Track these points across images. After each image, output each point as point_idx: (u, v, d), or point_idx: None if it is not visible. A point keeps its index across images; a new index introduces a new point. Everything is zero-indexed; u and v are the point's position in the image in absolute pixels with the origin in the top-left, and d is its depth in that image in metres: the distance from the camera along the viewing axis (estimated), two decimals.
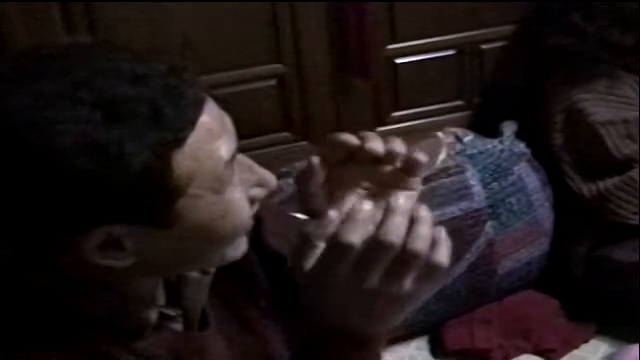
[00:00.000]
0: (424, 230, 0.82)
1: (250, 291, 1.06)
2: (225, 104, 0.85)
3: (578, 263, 2.33)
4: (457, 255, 1.99)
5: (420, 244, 0.82)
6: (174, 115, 0.79)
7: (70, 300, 0.87)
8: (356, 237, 0.80)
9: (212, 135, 0.83)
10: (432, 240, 0.83)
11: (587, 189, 2.27)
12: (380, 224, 0.82)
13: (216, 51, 2.19)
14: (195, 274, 0.96)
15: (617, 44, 2.26)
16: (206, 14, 2.12)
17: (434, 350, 2.27)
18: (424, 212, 0.83)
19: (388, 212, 0.83)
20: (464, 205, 2.16)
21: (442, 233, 0.84)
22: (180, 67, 0.82)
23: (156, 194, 0.81)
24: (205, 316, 0.99)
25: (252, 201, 0.92)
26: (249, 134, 2.11)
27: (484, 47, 2.45)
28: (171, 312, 0.95)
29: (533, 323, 2.24)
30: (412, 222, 0.83)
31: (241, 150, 0.84)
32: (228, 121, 0.87)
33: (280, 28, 2.23)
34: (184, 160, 0.81)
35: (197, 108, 0.81)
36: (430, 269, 0.84)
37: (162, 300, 0.96)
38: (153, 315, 0.91)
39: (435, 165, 2.07)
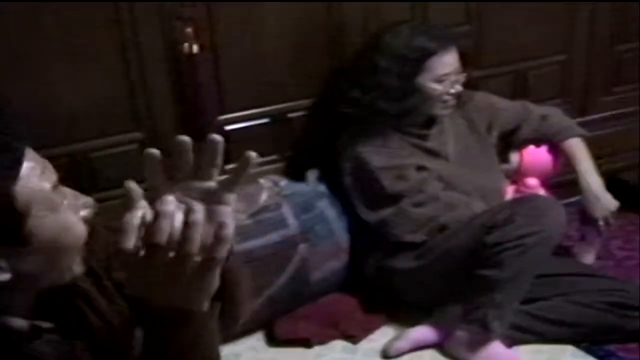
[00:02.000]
0: (192, 234, 0.93)
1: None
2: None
3: (371, 270, 2.78)
4: (279, 269, 2.66)
5: (188, 245, 0.94)
6: (8, 161, 1.02)
7: None
8: (128, 242, 0.92)
9: (36, 172, 1.06)
10: (215, 238, 0.95)
11: (372, 216, 2.74)
12: (150, 226, 0.94)
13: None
14: None
15: (385, 111, 2.71)
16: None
17: (269, 341, 2.69)
18: (195, 216, 0.94)
19: (156, 215, 0.94)
20: (282, 232, 2.65)
21: (225, 233, 0.95)
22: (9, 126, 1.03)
23: (9, 219, 1.03)
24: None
25: (84, 220, 1.12)
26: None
27: (290, 115, 2.91)
28: (43, 325, 1.11)
29: (340, 316, 2.71)
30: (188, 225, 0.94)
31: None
32: (46, 162, 1.09)
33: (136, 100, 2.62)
34: (20, 190, 1.03)
35: (22, 155, 1.04)
36: (207, 261, 0.96)
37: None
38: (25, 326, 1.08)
39: (259, 204, 2.68)
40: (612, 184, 3.44)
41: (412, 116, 2.75)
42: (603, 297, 2.66)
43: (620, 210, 3.04)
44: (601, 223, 2.91)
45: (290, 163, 2.98)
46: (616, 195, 3.21)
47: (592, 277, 2.78)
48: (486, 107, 2.98)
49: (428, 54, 2.70)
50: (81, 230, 1.10)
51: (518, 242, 2.47)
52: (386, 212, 2.73)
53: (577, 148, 2.98)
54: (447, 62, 2.73)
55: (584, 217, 2.95)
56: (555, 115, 3.05)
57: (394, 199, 2.72)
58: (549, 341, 2.64)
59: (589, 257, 2.99)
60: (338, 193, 2.83)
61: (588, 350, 2.61)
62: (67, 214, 1.09)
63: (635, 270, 3.03)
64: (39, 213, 1.04)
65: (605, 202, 2.91)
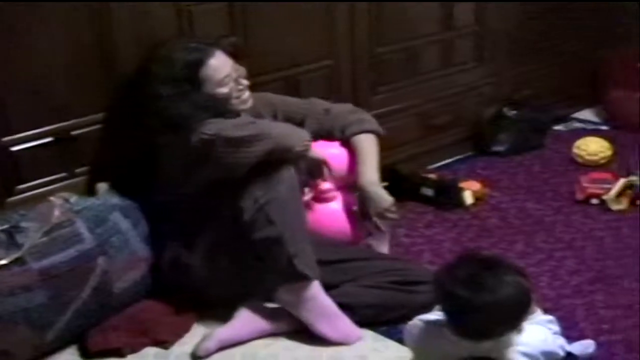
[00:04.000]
0: None
1: None
2: None
3: (169, 274, 2.92)
4: (81, 283, 2.74)
5: None
6: None
7: None
8: None
9: None
10: None
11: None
12: None
13: None
14: None
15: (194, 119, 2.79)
16: None
17: (82, 354, 2.75)
18: None
19: None
20: (78, 247, 2.70)
21: None
22: None
23: None
24: None
25: None
26: None
27: (75, 132, 2.98)
28: None
29: (149, 323, 2.79)
30: None
31: None
32: None
33: None
34: None
35: None
36: None
37: None
38: None
39: (52, 221, 2.77)
40: (392, 176, 3.84)
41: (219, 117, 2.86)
42: (389, 277, 2.91)
43: (400, 200, 3.36)
44: (375, 219, 3.09)
45: (80, 179, 3.08)
46: (394, 187, 3.57)
47: (376, 260, 3.04)
48: (268, 102, 3.17)
49: (195, 66, 2.87)
50: None
51: (267, 195, 2.70)
52: None
53: (364, 144, 3.15)
54: (218, 65, 2.90)
55: (362, 212, 3.15)
56: (344, 109, 3.24)
57: None
58: None
59: (383, 248, 3.21)
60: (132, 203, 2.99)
61: (387, 334, 2.84)
62: None
63: (422, 255, 3.39)
64: None
65: (379, 199, 3.08)
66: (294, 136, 2.84)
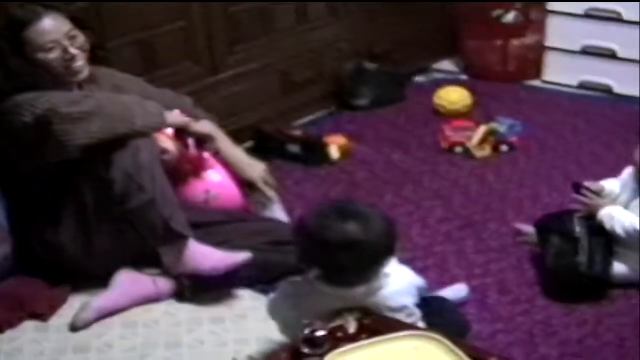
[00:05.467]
0: None
1: None
2: None
3: (39, 249, 2.92)
4: None
5: None
6: None
7: None
8: None
9: None
10: None
11: None
12: None
13: None
14: None
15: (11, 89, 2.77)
16: None
17: None
18: None
19: None
20: None
21: None
22: None
23: None
24: None
25: None
26: None
27: None
28: None
29: (24, 297, 2.82)
30: None
31: None
32: None
33: None
34: None
35: None
36: None
37: None
38: None
39: None
40: (257, 135, 3.91)
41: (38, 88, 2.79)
42: (262, 237, 2.99)
43: (267, 159, 3.45)
44: (261, 185, 3.16)
45: None
46: (260, 146, 3.64)
47: (248, 222, 3.11)
48: (113, 82, 3.06)
49: (19, 25, 2.79)
50: None
51: (133, 164, 2.73)
52: None
53: (211, 127, 3.14)
54: (45, 28, 2.80)
55: (249, 186, 3.20)
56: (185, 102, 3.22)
57: None
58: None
59: (281, 215, 3.24)
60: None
61: (263, 291, 2.91)
62: None
63: (294, 212, 3.37)
64: None
65: (255, 166, 3.17)
66: (136, 112, 2.82)
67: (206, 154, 3.13)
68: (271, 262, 2.91)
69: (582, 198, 3.01)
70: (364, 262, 2.25)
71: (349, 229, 2.20)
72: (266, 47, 4.18)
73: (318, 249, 2.25)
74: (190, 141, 3.07)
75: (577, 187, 3.04)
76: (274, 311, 2.48)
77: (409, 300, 2.36)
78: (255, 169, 3.17)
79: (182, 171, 3.07)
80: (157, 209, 2.77)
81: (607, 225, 2.91)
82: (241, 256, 2.84)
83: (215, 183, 3.15)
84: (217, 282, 2.89)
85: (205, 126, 3.10)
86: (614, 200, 3.01)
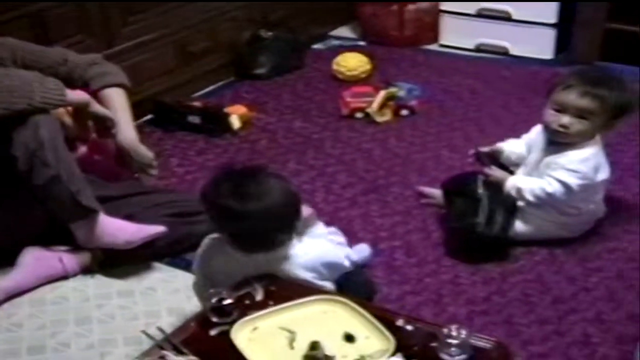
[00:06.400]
0: None
1: None
2: None
3: None
4: None
5: None
6: None
7: None
8: None
9: None
10: None
11: None
12: None
13: None
14: None
15: None
16: None
17: None
18: None
19: None
20: None
21: None
22: None
23: None
24: None
25: None
26: None
27: None
28: None
29: None
30: None
31: None
32: None
33: None
34: None
35: None
36: None
37: None
38: None
39: None
40: (157, 107, 3.93)
41: None
42: (168, 209, 3.03)
43: (168, 130, 3.46)
44: (137, 175, 3.15)
45: None
46: (160, 118, 3.66)
47: (154, 194, 3.14)
48: (8, 47, 3.03)
49: None
50: None
51: (35, 140, 2.73)
52: None
53: (114, 100, 3.10)
54: None
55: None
56: (84, 60, 3.17)
57: None
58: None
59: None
60: None
61: (172, 264, 2.98)
62: None
63: (197, 183, 3.46)
64: None
65: (139, 157, 3.10)
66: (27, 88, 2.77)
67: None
68: (179, 234, 2.95)
69: (485, 170, 3.05)
70: (263, 230, 2.28)
71: (246, 197, 2.23)
72: (161, 18, 4.17)
73: (221, 218, 2.31)
74: (90, 123, 3.05)
75: (477, 156, 3.11)
76: (195, 267, 2.52)
77: (312, 275, 2.37)
78: (142, 158, 3.12)
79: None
80: (63, 184, 2.77)
81: (516, 196, 2.97)
82: (155, 229, 2.88)
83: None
84: (131, 255, 2.92)
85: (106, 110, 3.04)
86: (523, 160, 3.09)
